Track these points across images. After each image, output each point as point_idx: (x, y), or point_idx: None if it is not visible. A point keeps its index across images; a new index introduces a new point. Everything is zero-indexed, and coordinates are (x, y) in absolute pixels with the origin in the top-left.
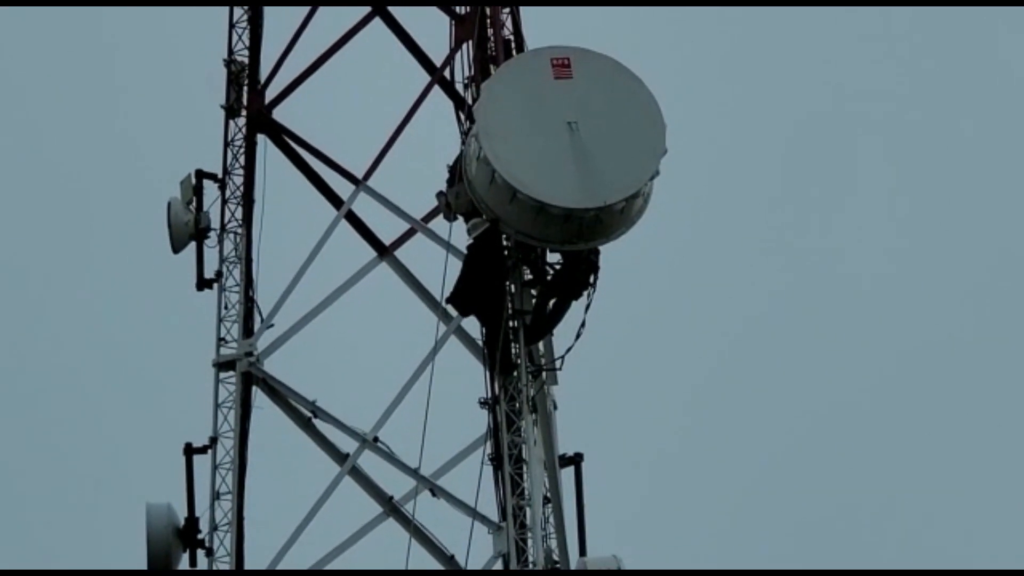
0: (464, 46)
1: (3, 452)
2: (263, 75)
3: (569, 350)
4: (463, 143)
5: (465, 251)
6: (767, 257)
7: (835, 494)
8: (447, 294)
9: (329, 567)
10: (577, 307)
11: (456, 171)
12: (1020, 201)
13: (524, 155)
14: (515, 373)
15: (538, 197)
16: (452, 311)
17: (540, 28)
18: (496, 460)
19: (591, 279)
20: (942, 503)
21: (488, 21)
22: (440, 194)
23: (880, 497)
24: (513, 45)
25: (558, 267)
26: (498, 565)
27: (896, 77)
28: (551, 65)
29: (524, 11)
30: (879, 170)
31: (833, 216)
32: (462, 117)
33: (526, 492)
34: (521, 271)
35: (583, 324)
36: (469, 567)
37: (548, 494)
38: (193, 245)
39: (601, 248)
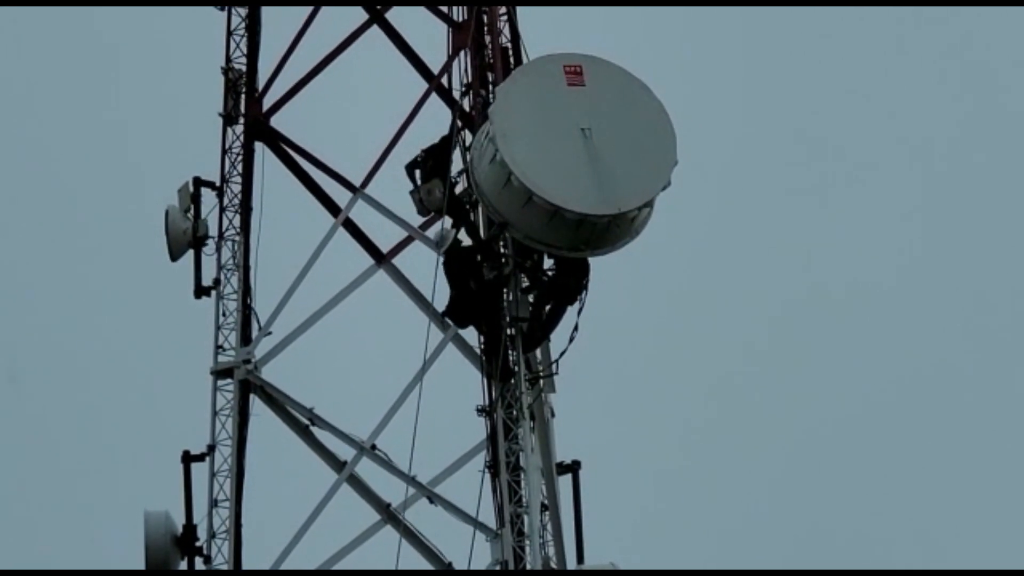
0: (461, 53)
1: (1, 459)
2: (261, 83)
3: (563, 354)
4: (453, 142)
5: (442, 266)
6: (768, 263)
7: (838, 501)
8: (442, 307)
9: None
10: (572, 312)
11: (424, 168)
12: None
13: (540, 159)
14: (512, 381)
15: (555, 201)
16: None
17: (537, 33)
18: (494, 468)
19: (584, 283)
20: (944, 505)
21: (486, 28)
22: (413, 192)
23: (883, 505)
24: (511, 51)
25: (551, 273)
26: None
27: (902, 75)
28: (564, 72)
29: (521, 15)
30: (890, 171)
31: (839, 221)
32: (459, 123)
33: (524, 499)
34: (518, 278)
35: (576, 328)
36: None
37: (546, 501)
38: (191, 253)
39: (604, 255)
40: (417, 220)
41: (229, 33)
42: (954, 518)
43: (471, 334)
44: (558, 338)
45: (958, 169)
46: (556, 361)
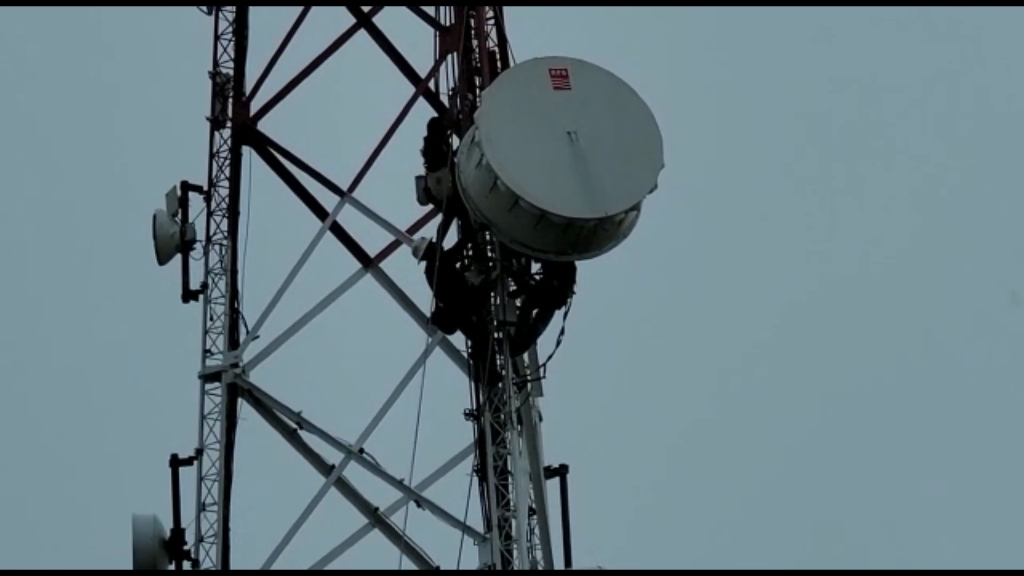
0: (449, 57)
1: None
2: (248, 87)
3: (550, 357)
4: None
5: (424, 274)
6: (755, 265)
7: (830, 503)
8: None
9: None
10: (559, 316)
11: (431, 156)
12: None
13: (526, 163)
14: (500, 384)
15: (541, 206)
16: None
17: (525, 35)
18: (481, 472)
19: (571, 287)
20: (943, 505)
21: (473, 32)
22: (419, 178)
23: (877, 505)
24: (498, 55)
25: (538, 277)
26: None
27: (898, 76)
28: (549, 75)
29: (507, 17)
30: (883, 170)
31: (830, 223)
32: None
33: (511, 503)
34: (505, 282)
35: (562, 331)
36: None
37: (533, 505)
38: (179, 257)
39: (591, 259)
40: (405, 223)
41: (216, 37)
42: (953, 518)
43: (459, 338)
44: (545, 342)
45: (955, 170)
46: (543, 365)
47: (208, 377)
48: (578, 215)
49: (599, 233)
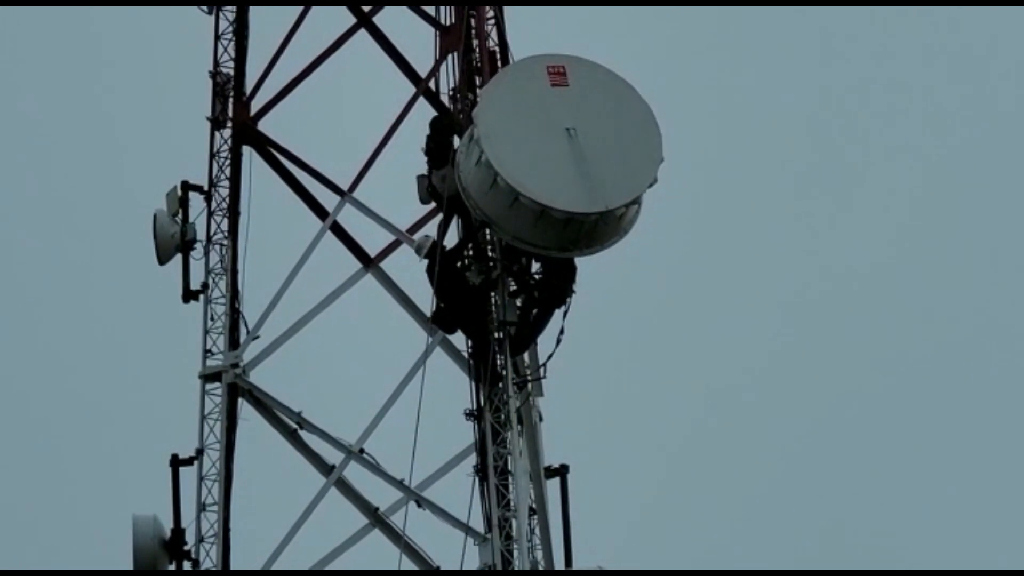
0: (449, 57)
1: None
2: (248, 87)
3: (550, 357)
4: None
5: (425, 272)
6: (757, 262)
7: (831, 506)
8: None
9: None
10: (558, 315)
11: (434, 154)
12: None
13: (525, 159)
14: (500, 384)
15: (541, 201)
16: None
17: (524, 35)
18: (482, 472)
19: (571, 285)
20: (943, 507)
21: (473, 32)
22: (422, 177)
23: (876, 508)
24: (498, 55)
25: (538, 276)
26: None
27: (898, 76)
28: (547, 73)
29: (508, 17)
30: (883, 172)
31: (830, 219)
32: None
33: (512, 503)
34: (506, 282)
35: (562, 331)
36: None
37: (534, 505)
38: (179, 257)
39: (591, 258)
40: (405, 223)
41: (217, 37)
42: (953, 518)
43: (459, 338)
44: (545, 342)
45: (955, 170)
46: (544, 365)
47: (208, 377)
48: (579, 209)
49: (600, 228)
